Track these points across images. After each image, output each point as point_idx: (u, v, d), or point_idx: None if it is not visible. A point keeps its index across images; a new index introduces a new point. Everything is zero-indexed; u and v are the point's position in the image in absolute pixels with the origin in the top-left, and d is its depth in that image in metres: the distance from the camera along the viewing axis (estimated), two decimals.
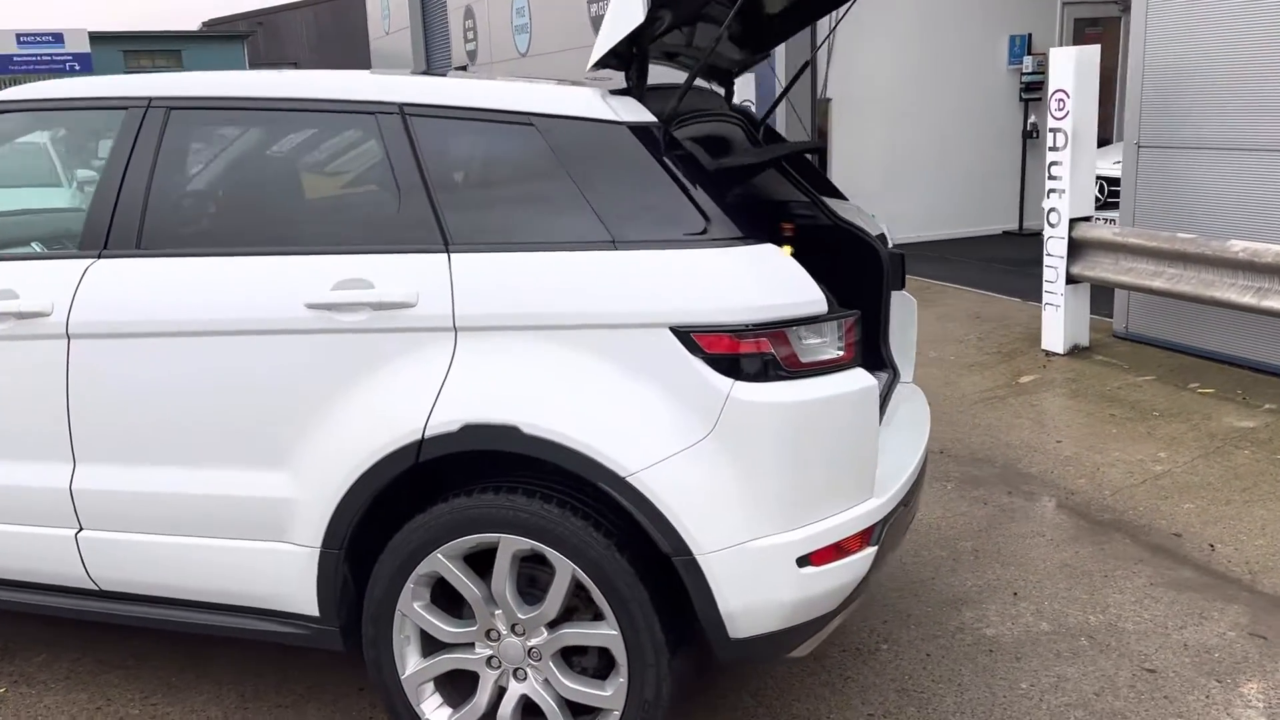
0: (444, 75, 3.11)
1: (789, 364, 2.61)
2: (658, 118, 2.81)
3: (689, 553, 2.59)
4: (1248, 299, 5.92)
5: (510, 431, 2.63)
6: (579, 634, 2.74)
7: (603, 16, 2.87)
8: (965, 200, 11.80)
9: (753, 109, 3.89)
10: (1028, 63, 11.97)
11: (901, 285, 3.95)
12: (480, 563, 2.78)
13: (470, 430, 2.66)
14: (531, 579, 2.79)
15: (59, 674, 3.58)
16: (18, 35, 35.56)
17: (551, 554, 2.68)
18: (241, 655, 3.62)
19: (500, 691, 2.85)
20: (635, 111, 2.79)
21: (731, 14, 2.94)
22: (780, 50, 10.59)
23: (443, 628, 2.82)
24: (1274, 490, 4.89)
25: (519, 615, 2.76)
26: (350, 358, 2.78)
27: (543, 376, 2.66)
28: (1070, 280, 6.94)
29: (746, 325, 2.56)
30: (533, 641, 2.78)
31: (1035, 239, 8.20)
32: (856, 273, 3.92)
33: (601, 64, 2.85)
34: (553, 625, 2.76)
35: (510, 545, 2.71)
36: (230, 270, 2.88)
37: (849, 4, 3.75)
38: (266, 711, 3.33)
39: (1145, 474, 5.16)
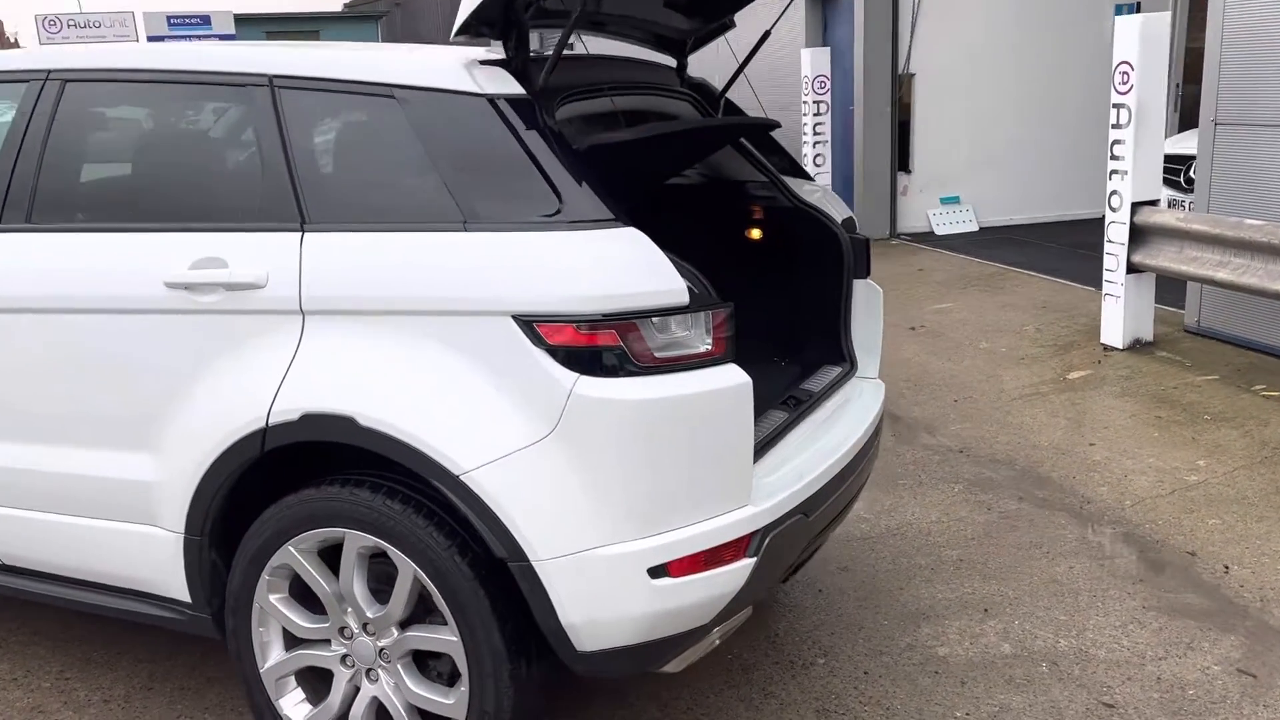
0: (319, 45, 2.97)
1: (641, 359, 2.40)
2: (529, 90, 2.62)
3: (525, 559, 2.42)
4: None
5: (347, 423, 2.50)
6: (423, 638, 2.60)
7: None
8: (1061, 181, 11.10)
9: (710, 82, 3.66)
10: None
11: (865, 273, 3.66)
12: (338, 558, 2.67)
13: (310, 420, 2.54)
14: (389, 577, 2.66)
15: None
16: (169, 18, 37.27)
17: (394, 553, 2.54)
18: (169, 636, 3.62)
19: (356, 691, 2.74)
20: (501, 83, 2.61)
21: None
22: (859, 17, 10.15)
23: (297, 622, 2.73)
24: None
25: (368, 614, 2.64)
26: (206, 339, 2.69)
27: (383, 365, 2.52)
28: (1131, 269, 6.41)
29: (591, 316, 2.36)
30: (383, 642, 2.65)
31: None
32: (816, 259, 3.65)
33: (466, 31, 2.68)
34: (404, 626, 2.63)
35: (355, 541, 2.59)
36: (95, 246, 2.83)
37: None
38: (169, 693, 3.31)
39: (1176, 484, 4.71)
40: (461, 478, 2.41)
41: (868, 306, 3.69)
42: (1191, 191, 7.54)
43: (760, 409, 3.15)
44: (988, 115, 10.86)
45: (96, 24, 36.20)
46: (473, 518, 2.43)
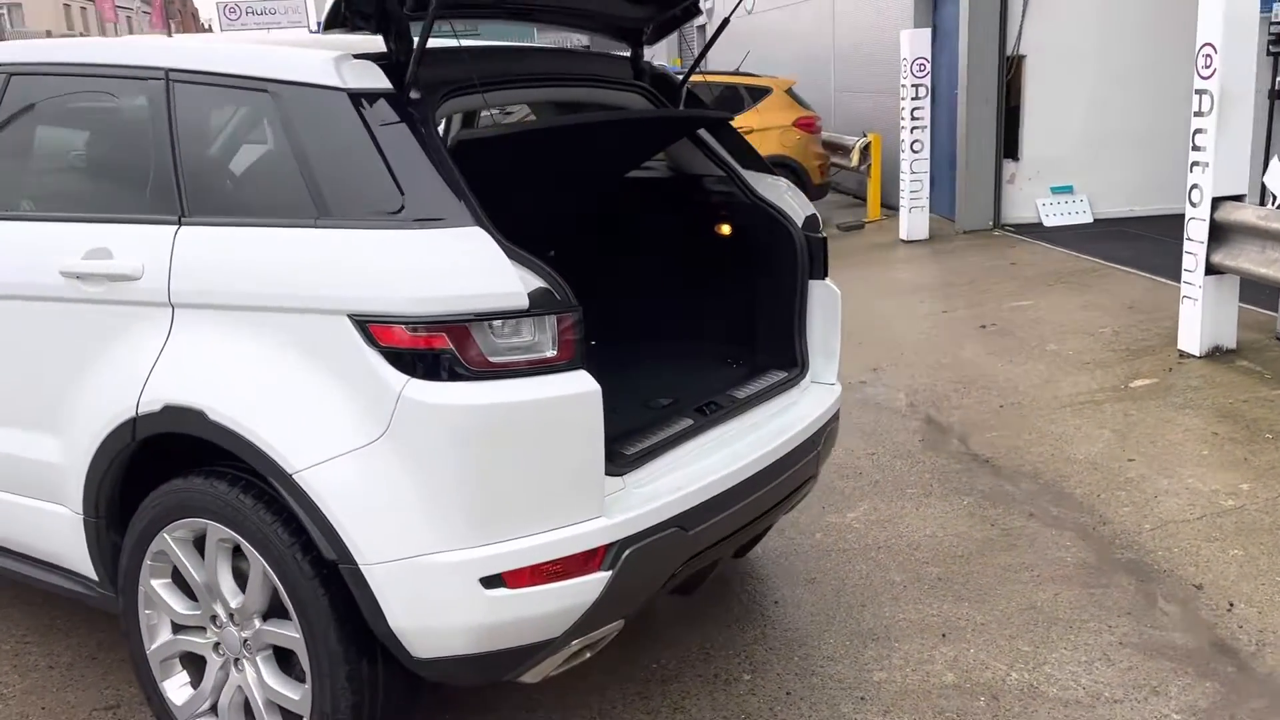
0: (217, 38, 3.00)
1: (475, 363, 2.33)
2: (396, 84, 2.58)
3: (353, 562, 2.39)
4: None
5: (199, 416, 2.53)
6: (274, 633, 2.62)
7: None
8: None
9: (672, 72, 3.55)
10: None
11: (823, 274, 3.48)
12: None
13: (169, 411, 2.59)
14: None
15: None
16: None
17: (245, 546, 2.56)
18: None
19: (227, 679, 2.78)
20: (365, 78, 2.57)
21: None
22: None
23: (174, 608, 2.79)
24: None
25: (232, 605, 2.67)
26: (94, 328, 2.77)
27: (235, 361, 2.54)
28: (1211, 270, 5.91)
29: (421, 317, 2.31)
30: (245, 634, 2.68)
31: None
32: (770, 258, 3.49)
33: (339, 24, 2.65)
34: (265, 619, 2.65)
35: (215, 533, 2.62)
36: (3, 234, 2.95)
37: None
38: (110, 664, 3.45)
39: (1207, 508, 4.32)
40: (293, 476, 2.40)
41: (825, 309, 3.50)
42: None
43: (673, 413, 3.04)
44: (1106, 99, 10.17)
45: (271, 10, 37.95)
46: (303, 518, 2.42)
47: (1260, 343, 6.15)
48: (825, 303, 3.49)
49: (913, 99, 10.05)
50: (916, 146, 10.11)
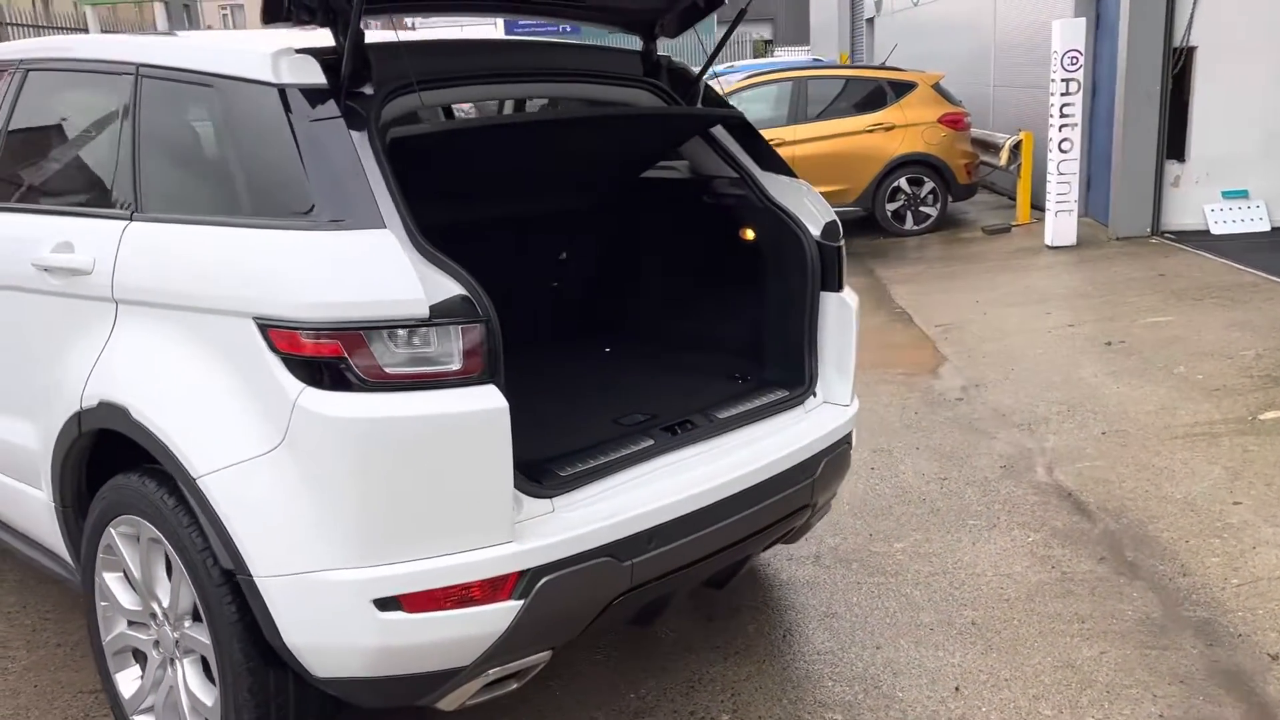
0: (184, 34, 2.98)
1: (371, 374, 2.22)
2: (332, 80, 2.48)
3: (248, 573, 2.32)
4: None
5: (123, 414, 2.52)
6: (192, 636, 2.57)
7: None
8: None
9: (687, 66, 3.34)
10: None
11: (837, 286, 3.20)
12: None
13: (104, 407, 2.59)
14: None
15: None
16: None
17: (166, 546, 2.53)
18: None
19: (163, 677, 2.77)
20: (301, 73, 2.49)
21: None
22: None
23: (119, 602, 2.79)
24: None
25: (164, 604, 2.65)
26: (58, 320, 2.81)
27: (159, 360, 2.51)
28: None
29: (315, 324, 2.21)
30: (176, 634, 2.66)
31: None
32: (781, 267, 3.25)
33: (281, 17, 2.57)
34: (196, 621, 2.62)
35: (146, 531, 2.61)
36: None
37: None
38: None
39: None
40: (196, 481, 2.35)
41: (839, 323, 3.23)
42: None
43: (638, 432, 2.85)
44: None
45: None
46: (204, 523, 2.37)
47: None
48: (839, 316, 3.21)
49: (1062, 94, 9.35)
50: (1065, 146, 9.41)
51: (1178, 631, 3.43)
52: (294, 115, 2.41)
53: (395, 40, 2.74)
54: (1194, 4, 9.19)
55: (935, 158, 10.62)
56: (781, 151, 11.72)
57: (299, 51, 2.53)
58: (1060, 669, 3.25)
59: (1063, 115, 9.40)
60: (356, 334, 2.20)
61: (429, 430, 2.23)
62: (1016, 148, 10.67)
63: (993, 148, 11.27)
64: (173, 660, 2.71)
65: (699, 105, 3.42)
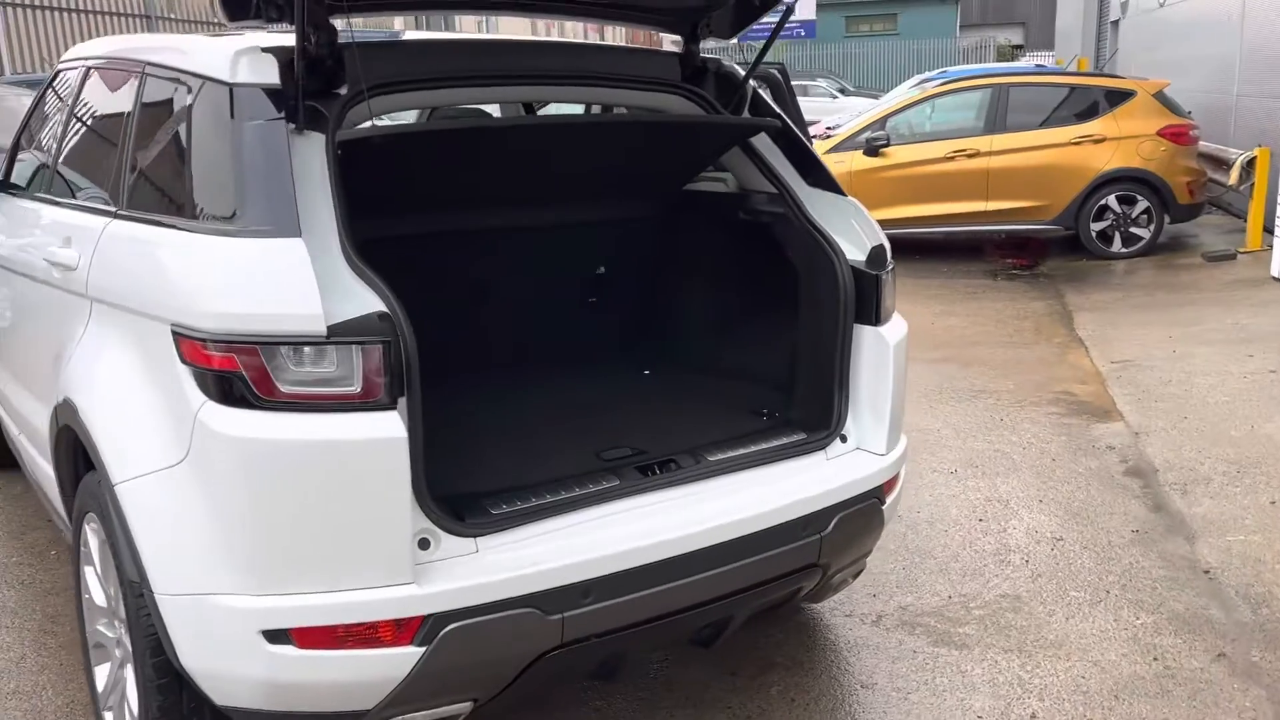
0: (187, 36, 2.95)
1: (266, 391, 2.09)
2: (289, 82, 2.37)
3: (150, 588, 2.25)
4: None
5: (74, 412, 2.51)
6: (126, 645, 2.53)
7: None
8: None
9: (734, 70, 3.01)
10: None
11: (874, 318, 2.84)
12: None
13: (66, 404, 2.60)
14: None
15: None
16: None
17: (108, 548, 2.51)
18: None
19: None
20: (259, 72, 2.40)
21: None
22: None
23: (92, 598, 2.81)
24: None
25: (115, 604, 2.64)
26: (55, 313, 2.86)
27: (106, 361, 2.50)
28: None
29: (213, 334, 2.11)
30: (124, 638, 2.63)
31: None
32: (814, 294, 2.92)
33: (245, 15, 2.49)
34: None
35: (99, 529, 2.59)
36: (33, 216, 3.14)
37: None
38: None
39: None
40: (115, 487, 2.30)
41: (875, 361, 2.85)
42: None
43: (609, 469, 2.61)
44: None
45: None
46: (117, 532, 2.31)
47: None
48: (875, 353, 2.84)
49: None
50: None
51: None
52: (236, 115, 2.32)
53: (385, 39, 2.61)
54: None
55: (1151, 174, 9.61)
56: (974, 164, 10.98)
57: (266, 50, 2.44)
58: None
59: None
60: (253, 349, 2.08)
61: (321, 456, 2.08)
62: (1249, 165, 9.50)
63: (1223, 164, 10.09)
64: (124, 663, 2.69)
65: (745, 113, 3.11)
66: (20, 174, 3.52)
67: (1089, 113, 9.89)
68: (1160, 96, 9.99)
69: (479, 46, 2.85)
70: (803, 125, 5.57)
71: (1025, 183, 9.64)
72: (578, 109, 3.73)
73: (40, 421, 3.07)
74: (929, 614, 3.63)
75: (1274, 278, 8.54)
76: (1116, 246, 9.86)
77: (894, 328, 2.89)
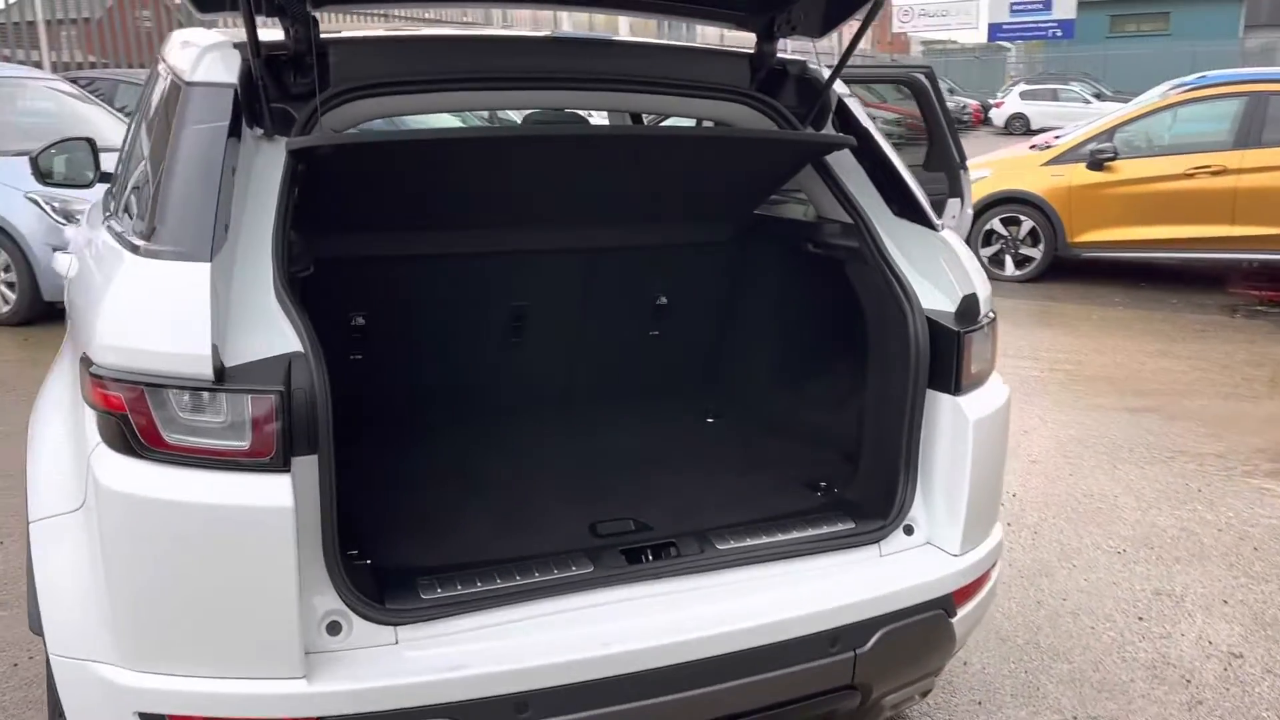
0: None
1: (150, 439, 1.81)
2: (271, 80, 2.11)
3: (45, 644, 2.02)
4: None
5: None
6: None
7: None
8: None
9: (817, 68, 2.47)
10: None
11: (954, 387, 2.29)
12: None
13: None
14: None
15: None
16: (1011, 4, 37.57)
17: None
18: None
19: None
20: (216, 70, 2.13)
21: None
22: None
23: None
24: None
25: None
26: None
27: (51, 386, 2.35)
28: None
29: (104, 370, 1.85)
30: None
31: None
32: (882, 352, 2.40)
33: (222, 7, 2.22)
34: None
35: None
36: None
37: None
38: None
39: None
40: (29, 525, 2.09)
41: (953, 439, 2.30)
42: None
43: (589, 551, 2.20)
44: None
45: (943, 12, 37.75)
46: (27, 576, 2.10)
47: None
48: (953, 430, 2.29)
49: None
50: None
51: None
52: (182, 117, 2.06)
53: (381, 35, 2.30)
54: None
55: None
56: (1219, 183, 9.74)
57: (239, 45, 2.17)
58: None
59: None
60: (138, 389, 1.79)
61: (199, 521, 1.78)
62: None
63: None
64: None
65: (829, 126, 2.60)
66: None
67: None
68: None
69: (493, 44, 2.48)
70: (947, 136, 4.91)
71: None
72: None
73: None
74: None
75: None
76: None
77: (982, 399, 2.32)
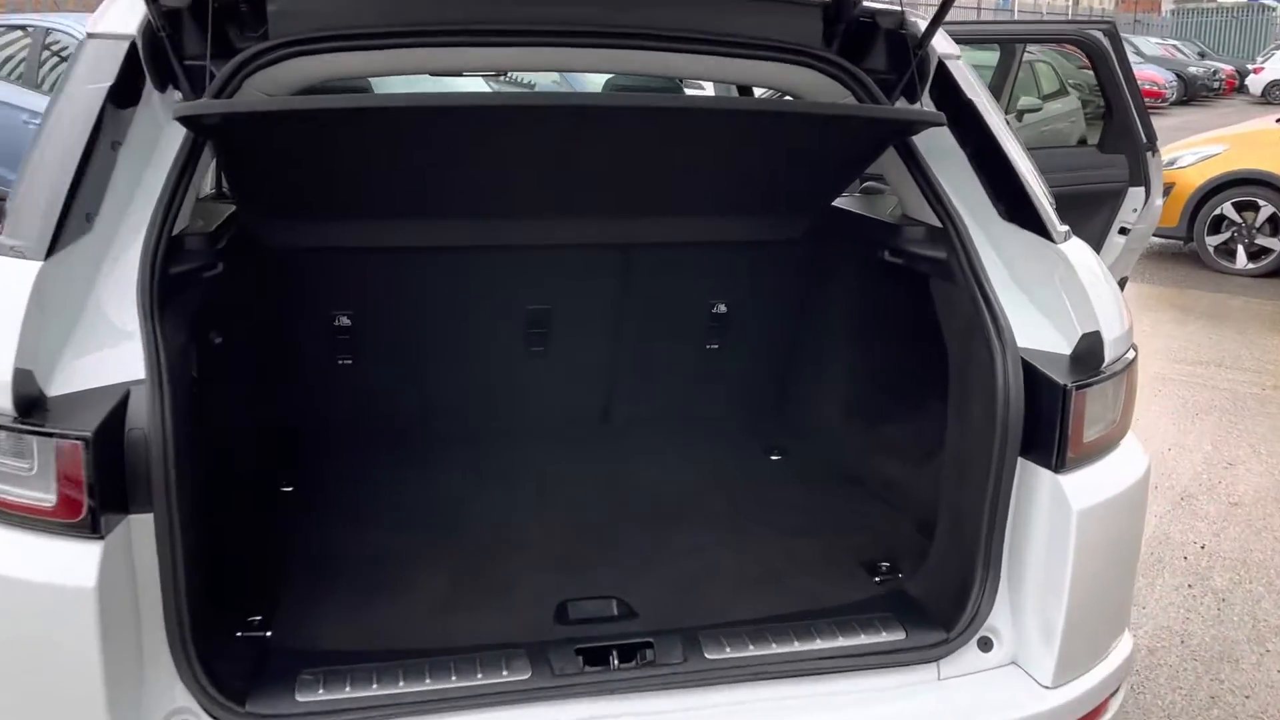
0: None
1: None
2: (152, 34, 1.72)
3: None
4: None
5: None
6: None
7: None
8: None
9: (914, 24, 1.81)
10: None
11: (1058, 462, 1.67)
12: None
13: None
14: None
15: None
16: None
17: None
18: None
19: None
20: (119, 21, 1.76)
21: None
22: None
23: None
24: None
25: None
26: None
27: None
28: None
29: None
30: None
31: None
32: (965, 397, 1.81)
33: None
34: None
35: None
36: None
37: None
38: None
39: None
40: None
41: (1051, 530, 1.67)
42: None
43: (566, 643, 1.73)
44: None
45: None
46: None
47: None
48: (1052, 519, 1.66)
49: None
50: None
51: None
52: (68, 76, 1.71)
53: None
54: None
55: None
56: None
57: None
58: None
59: None
60: None
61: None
62: None
63: None
64: None
65: (923, 99, 1.98)
66: None
67: None
68: None
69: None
70: (1130, 109, 4.03)
71: None
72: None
73: None
74: None
75: None
76: None
77: (1098, 479, 1.68)
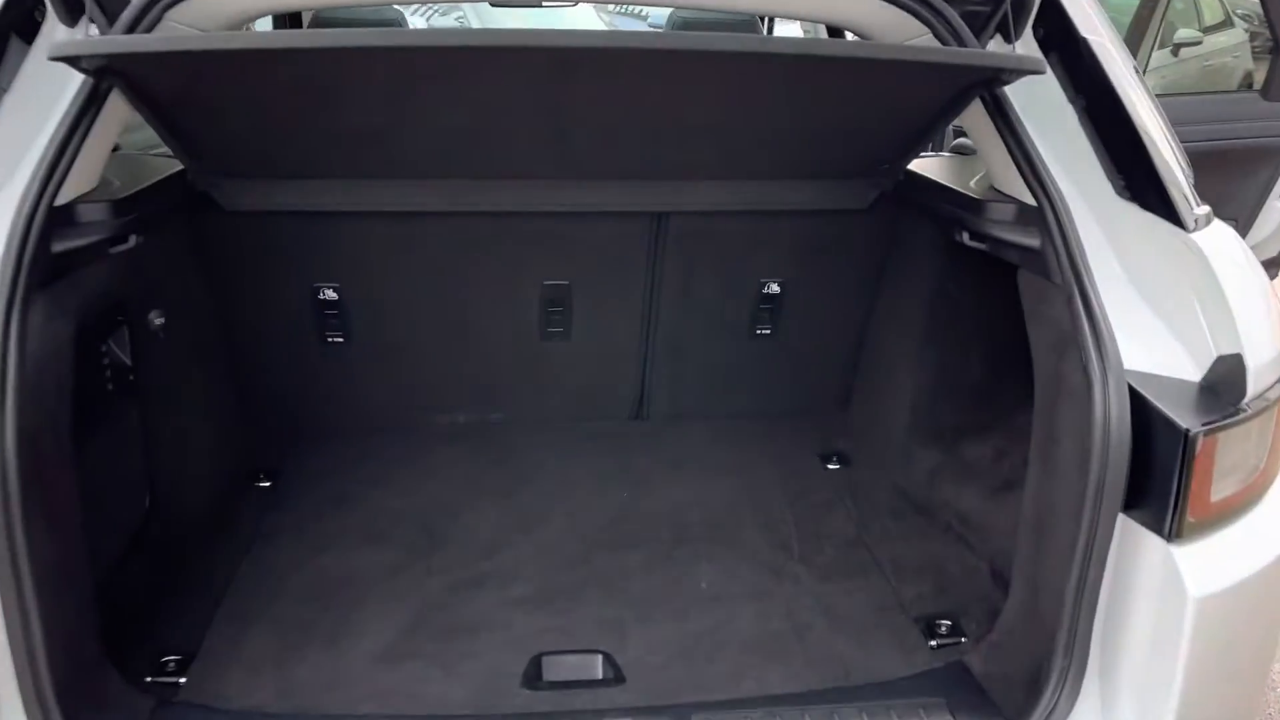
0: None
1: None
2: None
3: None
4: None
5: None
6: None
7: None
8: None
9: None
10: None
11: (1170, 526, 1.28)
12: None
13: None
14: None
15: None
16: None
17: None
18: None
19: None
20: None
21: None
22: None
23: None
24: None
25: None
26: None
27: None
28: None
29: None
30: None
31: None
32: (1053, 429, 1.43)
33: None
34: None
35: None
36: None
37: None
38: None
39: None
40: None
41: (1160, 615, 1.29)
42: None
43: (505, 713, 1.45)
44: None
45: None
46: None
47: None
48: (1162, 600, 1.28)
49: None
50: None
51: None
52: None
53: None
54: None
55: None
56: None
57: None
58: None
59: None
60: None
61: None
62: None
63: None
64: None
65: (1019, 41, 1.56)
66: None
67: None
68: None
69: None
70: None
71: None
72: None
73: None
74: None
75: None
76: None
77: (1226, 551, 1.27)
